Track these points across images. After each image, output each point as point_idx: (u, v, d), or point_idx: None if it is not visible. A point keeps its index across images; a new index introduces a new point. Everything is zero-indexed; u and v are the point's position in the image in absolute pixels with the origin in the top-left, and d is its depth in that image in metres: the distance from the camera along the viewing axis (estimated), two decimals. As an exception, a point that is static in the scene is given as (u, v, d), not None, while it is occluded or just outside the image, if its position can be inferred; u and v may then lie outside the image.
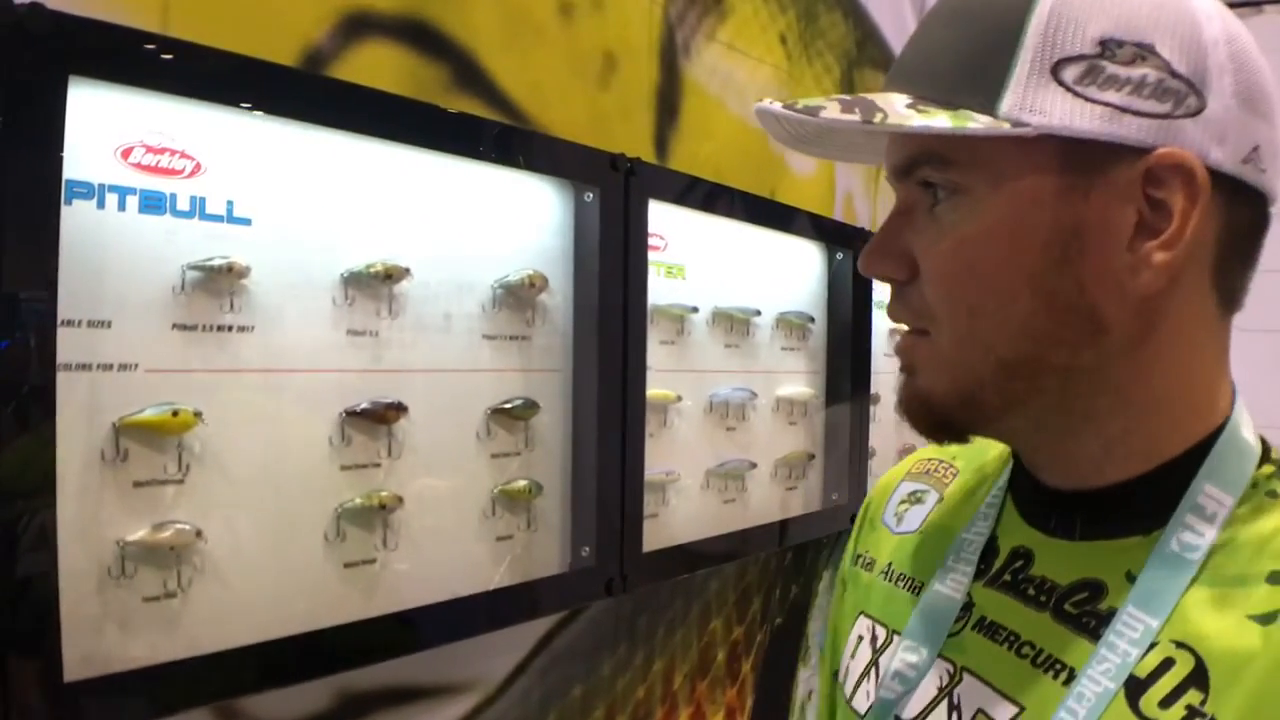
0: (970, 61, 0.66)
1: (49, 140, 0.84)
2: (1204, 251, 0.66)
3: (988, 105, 0.64)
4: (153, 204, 0.96)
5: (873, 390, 2.15)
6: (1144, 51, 0.63)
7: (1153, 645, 0.64)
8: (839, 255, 2.04)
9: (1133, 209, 0.64)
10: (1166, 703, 0.62)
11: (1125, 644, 0.65)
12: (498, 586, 1.28)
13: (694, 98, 1.74)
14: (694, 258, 1.65)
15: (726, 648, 1.85)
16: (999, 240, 0.66)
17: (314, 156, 1.08)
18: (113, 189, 0.93)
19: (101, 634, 0.92)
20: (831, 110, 0.66)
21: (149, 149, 0.95)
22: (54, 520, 0.85)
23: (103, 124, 0.92)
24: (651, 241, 1.48)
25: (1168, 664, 0.63)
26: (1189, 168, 0.63)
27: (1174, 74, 0.63)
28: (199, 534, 0.98)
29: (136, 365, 0.95)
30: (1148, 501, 0.68)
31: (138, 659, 0.93)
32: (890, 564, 0.87)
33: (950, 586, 0.78)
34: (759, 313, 1.80)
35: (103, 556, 0.92)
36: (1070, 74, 0.63)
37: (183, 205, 0.98)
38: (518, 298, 1.31)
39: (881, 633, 0.84)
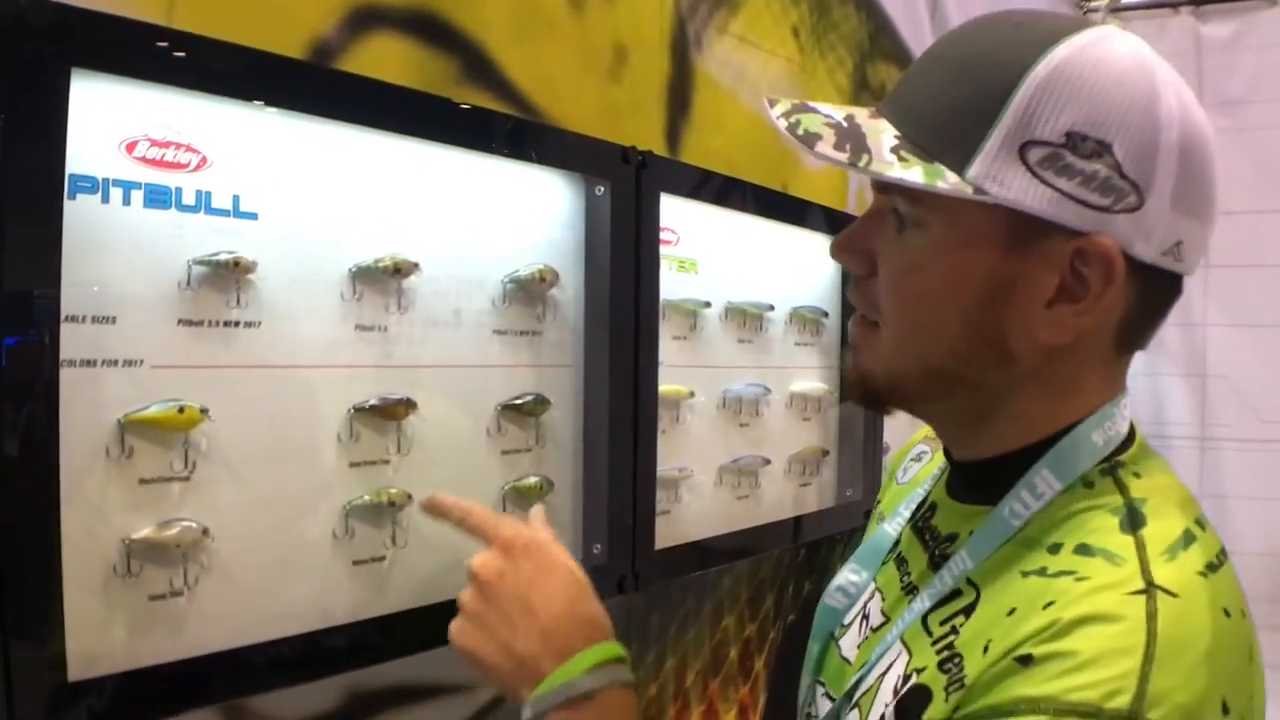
0: (956, 120, 0.75)
1: (51, 134, 0.83)
2: (1111, 317, 0.78)
3: (959, 164, 0.74)
4: (158, 198, 0.94)
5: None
6: (1101, 149, 0.72)
7: (965, 581, 0.80)
8: (852, 249, 2.02)
9: (1057, 275, 0.75)
10: (944, 622, 0.79)
11: (949, 577, 0.81)
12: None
13: (706, 91, 1.72)
14: (706, 252, 1.64)
15: (739, 645, 1.84)
16: (944, 275, 0.78)
17: (321, 150, 1.07)
18: (117, 183, 0.91)
19: (107, 633, 0.91)
20: (825, 145, 0.77)
21: (154, 142, 0.94)
22: (57, 518, 0.84)
23: (106, 117, 0.90)
24: (663, 236, 1.47)
25: (957, 593, 0.80)
26: (1110, 257, 0.74)
27: (1122, 174, 0.73)
28: (205, 532, 0.96)
29: (142, 361, 0.94)
30: (999, 478, 0.81)
31: (144, 658, 0.92)
32: (884, 508, 1.08)
33: (893, 526, 0.98)
34: (772, 308, 1.78)
35: (108, 554, 0.91)
36: (1034, 156, 0.73)
37: (188, 199, 0.97)
38: (528, 292, 1.29)
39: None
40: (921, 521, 0.94)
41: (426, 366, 1.17)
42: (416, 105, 1.14)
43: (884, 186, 0.80)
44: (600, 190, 1.36)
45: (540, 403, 1.30)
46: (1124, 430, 0.83)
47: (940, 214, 0.77)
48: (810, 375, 1.94)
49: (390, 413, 1.12)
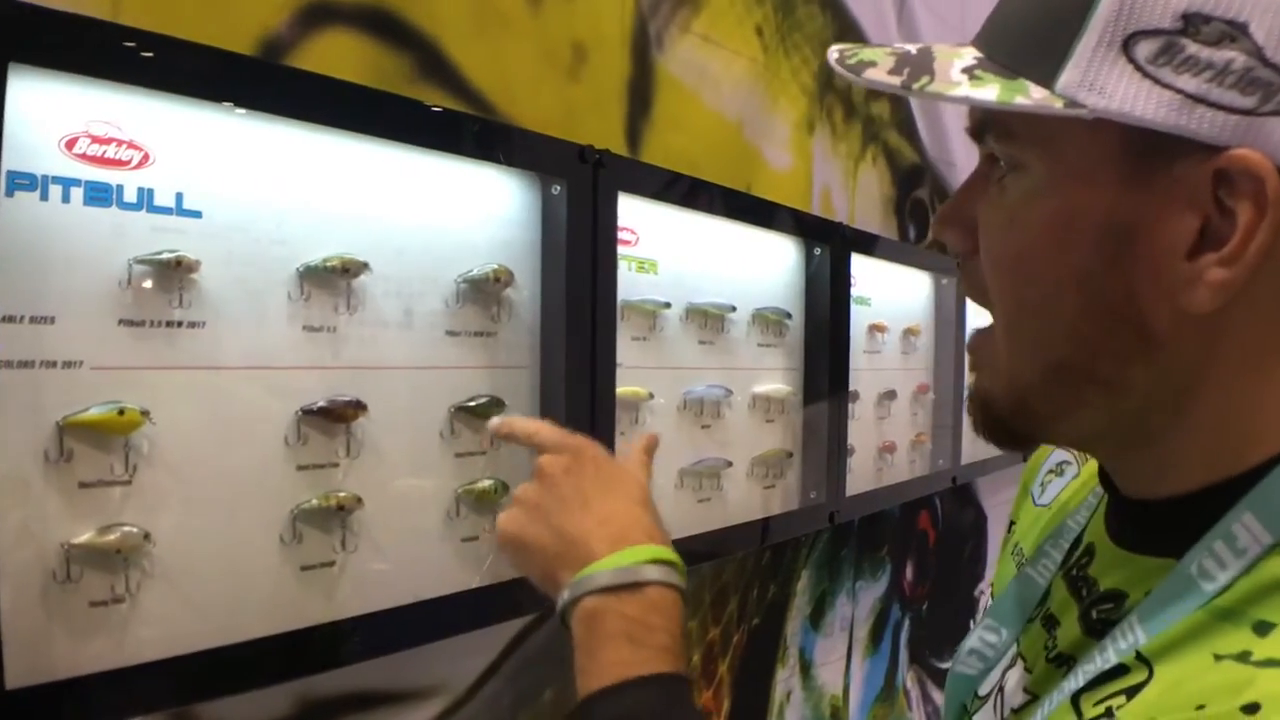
0: (1039, 24, 0.59)
1: (-17, 129, 0.81)
2: None
3: (1047, 77, 0.58)
4: (98, 196, 0.92)
5: (851, 387, 2.13)
6: (1234, 31, 0.54)
7: (1134, 656, 0.60)
8: (817, 250, 2.02)
9: (1197, 214, 0.57)
10: (1100, 702, 0.59)
11: (1112, 650, 0.61)
12: (464, 589, 1.25)
13: (667, 90, 1.71)
14: (666, 252, 1.63)
15: (703, 649, 1.82)
16: (1051, 229, 0.61)
17: (268, 147, 1.05)
18: (56, 180, 0.89)
19: (46, 640, 0.89)
20: (877, 70, 0.63)
21: (94, 139, 0.92)
22: (-10, 523, 0.82)
23: (46, 113, 0.88)
24: (622, 236, 1.46)
25: (1122, 669, 0.60)
26: (1260, 175, 0.54)
27: (1266, 62, 0.54)
28: (147, 536, 0.94)
29: (81, 363, 0.92)
30: (1184, 523, 0.61)
31: (84, 665, 0.90)
32: (1021, 535, 0.89)
33: (1039, 572, 0.78)
34: (734, 309, 1.77)
35: (47, 560, 0.89)
36: (1144, 50, 0.55)
37: (130, 197, 0.95)
38: (482, 293, 1.28)
39: (990, 601, 0.86)
40: (1076, 570, 0.74)
41: (377, 368, 1.16)
42: (368, 103, 1.13)
43: (976, 134, 0.65)
44: (556, 189, 1.35)
45: (495, 404, 1.29)
46: None
47: (1037, 148, 0.61)
48: (774, 377, 1.93)
49: (339, 415, 1.11)
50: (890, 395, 2.39)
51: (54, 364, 0.90)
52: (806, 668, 2.21)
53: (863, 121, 2.35)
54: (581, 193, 1.36)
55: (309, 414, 1.08)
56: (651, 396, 1.57)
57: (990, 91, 0.59)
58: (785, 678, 2.13)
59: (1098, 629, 0.66)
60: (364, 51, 1.21)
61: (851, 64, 0.64)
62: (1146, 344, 0.60)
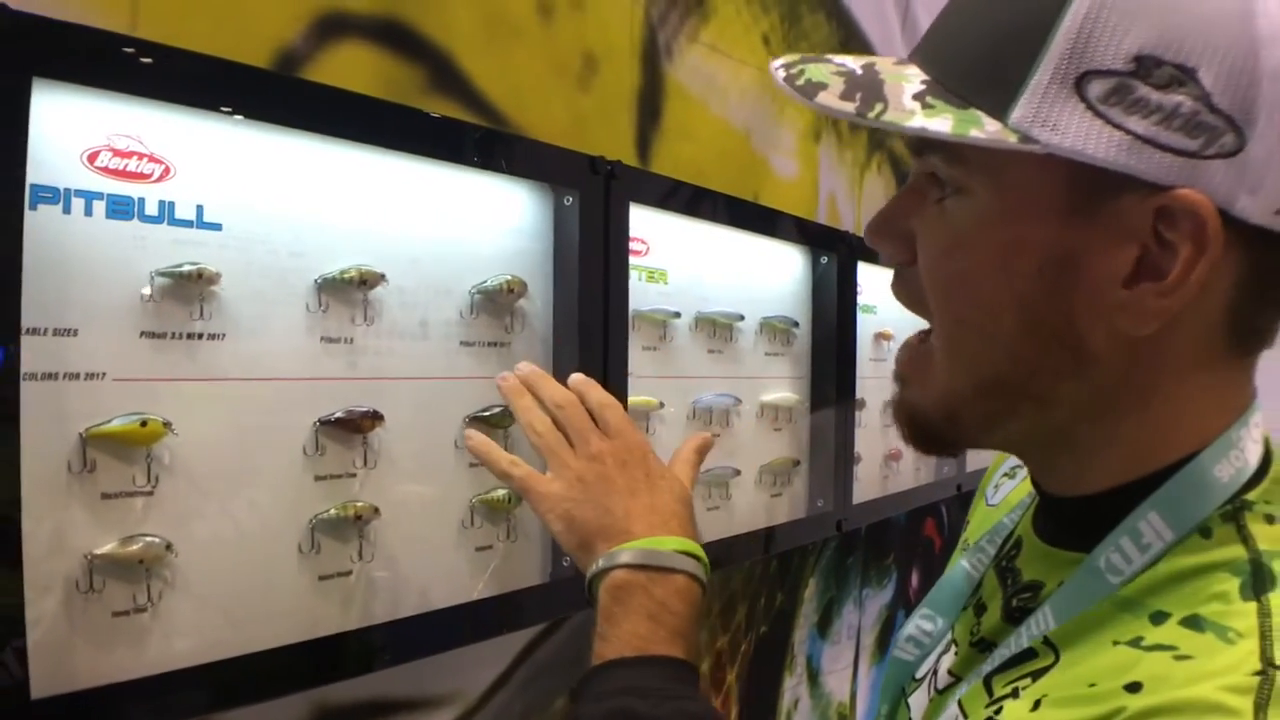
0: (991, 53, 0.60)
1: (12, 144, 0.82)
2: (1214, 298, 0.60)
3: (998, 109, 0.59)
4: (120, 209, 0.93)
5: (858, 395, 2.14)
6: (1183, 75, 0.55)
7: (1042, 641, 0.64)
8: (823, 259, 2.03)
9: (1135, 246, 0.59)
10: (1009, 683, 0.63)
11: (1025, 637, 0.65)
12: (478, 598, 1.26)
13: (676, 100, 1.72)
14: (676, 262, 1.63)
15: (711, 657, 1.83)
16: (993, 252, 0.63)
17: (286, 160, 1.06)
18: (79, 193, 0.90)
19: (69, 650, 0.89)
20: (830, 94, 0.62)
21: (116, 152, 0.93)
22: (19, 535, 0.83)
23: (68, 127, 0.89)
24: (633, 246, 1.46)
25: (1031, 654, 0.64)
26: (1201, 216, 0.56)
27: (1212, 107, 0.55)
28: (169, 547, 0.95)
29: (104, 374, 0.92)
30: (1096, 520, 0.65)
31: (107, 675, 0.90)
32: (970, 535, 0.95)
33: (972, 565, 0.82)
34: (742, 317, 1.78)
35: (70, 570, 0.90)
36: (1096, 90, 0.57)
37: (151, 210, 0.95)
38: (496, 304, 1.29)
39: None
40: (1005, 561, 0.78)
41: (393, 379, 1.16)
42: (385, 115, 1.13)
43: (920, 149, 0.66)
44: (569, 200, 1.36)
45: (508, 415, 1.29)
46: (1253, 460, 0.64)
47: (985, 175, 0.62)
48: (781, 385, 1.94)
49: (357, 425, 1.11)
50: (896, 403, 2.39)
51: (77, 376, 0.91)
52: (814, 676, 2.21)
53: (869, 129, 2.36)
54: (594, 204, 1.36)
55: (327, 424, 1.09)
56: (662, 406, 1.58)
57: (944, 123, 0.59)
58: (793, 686, 2.13)
59: (1016, 616, 0.70)
60: (377, 63, 1.22)
61: (801, 85, 0.64)
62: (1079, 362, 0.63)
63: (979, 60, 0.61)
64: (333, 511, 1.09)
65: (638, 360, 1.50)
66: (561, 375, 1.34)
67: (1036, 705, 0.58)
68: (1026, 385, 0.65)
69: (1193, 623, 0.57)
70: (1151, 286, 0.59)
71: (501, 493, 1.28)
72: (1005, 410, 0.66)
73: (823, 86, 0.63)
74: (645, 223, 1.51)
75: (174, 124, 0.96)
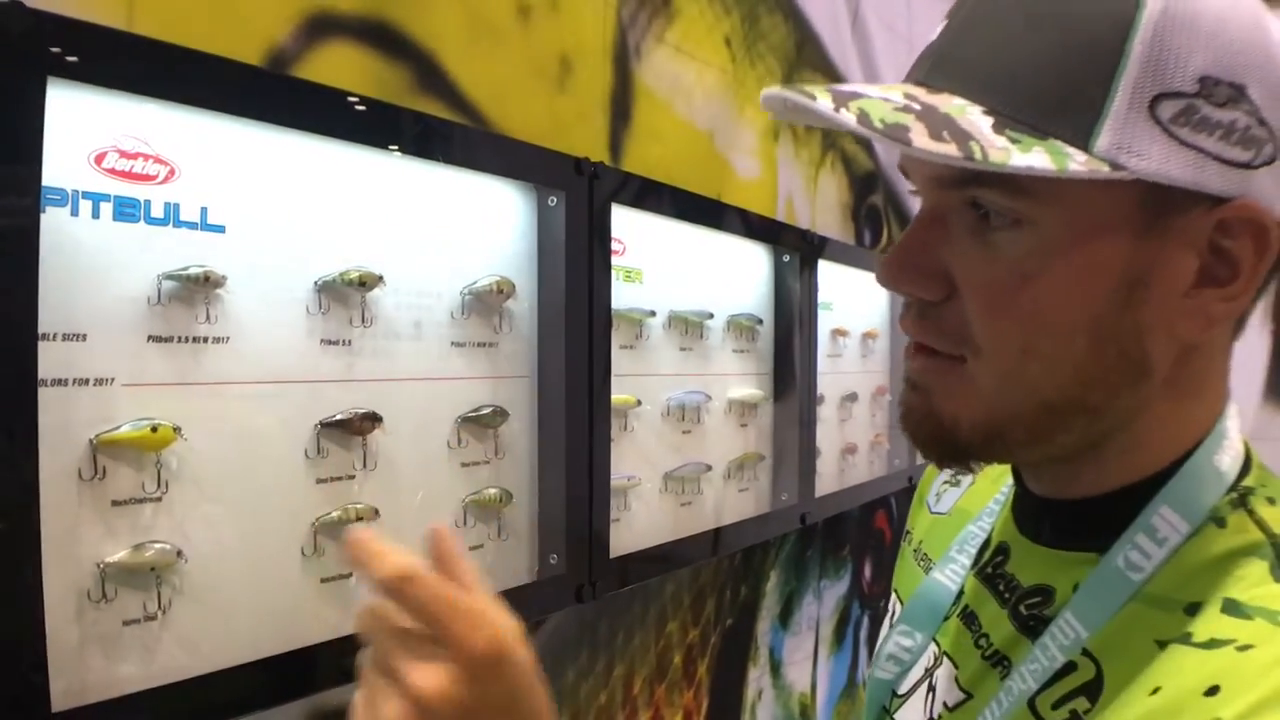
0: (1062, 80, 0.60)
1: (28, 145, 0.80)
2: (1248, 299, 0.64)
3: (1080, 138, 0.58)
4: (127, 211, 0.92)
5: (818, 391, 2.17)
6: (1238, 94, 0.59)
7: (1080, 653, 0.65)
8: (785, 257, 2.06)
9: (1195, 255, 0.61)
10: (1058, 704, 0.64)
11: (1055, 648, 0.66)
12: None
13: (645, 100, 1.73)
14: (651, 262, 1.65)
15: (683, 650, 1.85)
16: (1067, 280, 0.62)
17: (283, 161, 1.05)
18: (86, 195, 0.89)
19: (83, 660, 0.88)
20: (919, 136, 0.58)
21: (123, 154, 0.91)
22: (38, 545, 0.81)
23: (76, 127, 0.88)
24: (611, 246, 1.47)
25: (1071, 667, 0.64)
26: (1263, 224, 0.60)
27: (1261, 120, 0.59)
28: (180, 553, 0.94)
29: (113, 379, 0.91)
30: (1105, 520, 0.67)
31: (120, 685, 0.89)
32: (920, 542, 0.92)
33: (948, 576, 0.82)
34: (712, 316, 1.80)
35: (82, 580, 0.88)
36: (1167, 112, 0.58)
37: (157, 212, 0.94)
38: (486, 304, 1.29)
39: (899, 608, 0.88)
40: (991, 569, 0.78)
41: (389, 380, 1.16)
42: (383, 116, 1.13)
43: (956, 183, 0.64)
44: (553, 201, 1.36)
45: (499, 414, 1.30)
46: (1241, 448, 0.68)
47: (1054, 204, 0.61)
48: (747, 382, 1.96)
49: (356, 428, 1.11)
50: (852, 398, 2.44)
51: (86, 381, 0.89)
52: (776, 667, 2.24)
53: (822, 129, 2.39)
54: (578, 204, 1.37)
55: (328, 427, 1.08)
56: (639, 403, 1.59)
57: (1040, 158, 0.58)
58: (757, 677, 2.16)
59: (1030, 625, 0.70)
60: (365, 63, 1.21)
61: (887, 131, 0.59)
62: (1139, 372, 0.64)
63: (1048, 88, 0.60)
64: (335, 514, 1.09)
65: (616, 359, 1.50)
66: (548, 374, 1.35)
67: None
68: (1085, 400, 0.64)
69: (1233, 609, 0.59)
70: (1216, 292, 0.62)
71: (493, 492, 1.29)
72: (1058, 426, 0.66)
73: (906, 129, 0.59)
74: (620, 222, 1.52)
75: (178, 125, 0.95)
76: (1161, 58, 0.58)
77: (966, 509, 0.87)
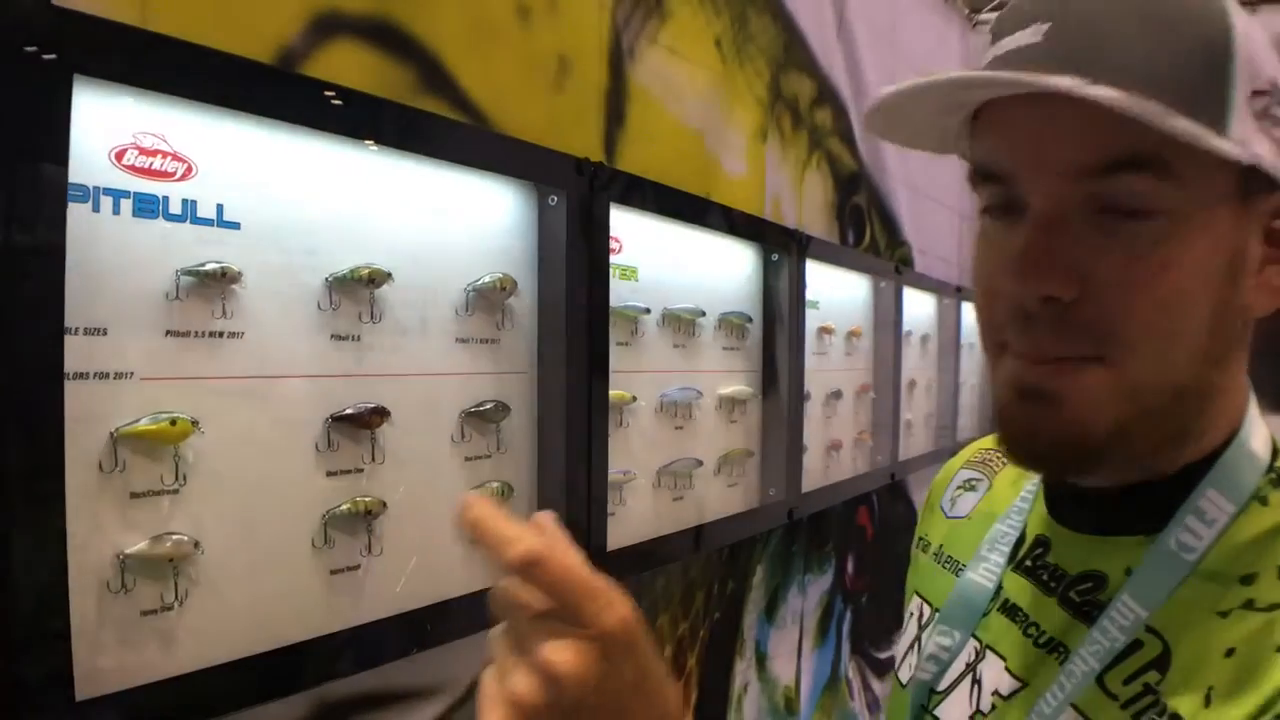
0: (1193, 74, 0.62)
1: (55, 142, 0.82)
2: None
3: (1218, 125, 0.61)
4: (146, 207, 0.93)
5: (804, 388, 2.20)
6: None
7: (1143, 630, 0.68)
8: (774, 256, 2.08)
9: (1263, 235, 0.67)
10: (1130, 680, 0.68)
11: (1115, 630, 0.69)
12: (470, 591, 1.27)
13: (639, 101, 1.75)
14: (645, 260, 1.67)
15: (673, 643, 1.87)
16: (1199, 264, 0.65)
17: (295, 159, 1.07)
18: (107, 192, 0.90)
19: (103, 650, 0.90)
20: (1157, 112, 0.58)
21: (142, 150, 0.93)
22: (64, 537, 0.83)
23: (96, 124, 0.89)
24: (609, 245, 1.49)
25: (1136, 645, 0.68)
26: None
27: None
28: (197, 545, 0.96)
29: (133, 373, 0.92)
30: (1150, 506, 0.70)
31: (139, 674, 0.91)
32: (941, 546, 0.93)
33: (983, 575, 0.84)
34: (704, 313, 1.82)
35: (102, 570, 0.90)
36: (1258, 106, 0.64)
37: (175, 209, 0.96)
38: (488, 301, 1.31)
39: (927, 610, 0.91)
40: (1032, 562, 0.80)
41: (397, 375, 1.18)
42: (396, 116, 1.15)
43: (1101, 170, 0.64)
44: (554, 200, 1.38)
45: (501, 409, 1.31)
46: (1267, 431, 0.73)
47: (1189, 189, 0.63)
48: (736, 379, 1.99)
49: (366, 422, 1.12)
50: (836, 395, 2.47)
51: (107, 375, 0.91)
52: (762, 660, 2.27)
53: (809, 130, 2.42)
54: (579, 203, 1.39)
55: (338, 420, 1.10)
56: (635, 399, 1.61)
57: (1225, 141, 0.60)
58: (743, 670, 2.18)
59: (1084, 610, 0.73)
60: (371, 62, 1.22)
61: (1095, 94, 0.58)
62: (1239, 348, 0.70)
63: (1183, 82, 0.62)
64: (345, 507, 1.10)
65: (612, 355, 1.52)
66: (548, 370, 1.37)
67: (1210, 699, 0.63)
68: (1211, 380, 0.69)
69: None
70: (1276, 269, 0.68)
71: (495, 485, 1.31)
72: (1178, 410, 0.68)
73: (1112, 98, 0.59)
74: (616, 221, 1.54)
75: (195, 122, 0.96)
76: (1253, 57, 0.64)
77: (990, 510, 0.89)
